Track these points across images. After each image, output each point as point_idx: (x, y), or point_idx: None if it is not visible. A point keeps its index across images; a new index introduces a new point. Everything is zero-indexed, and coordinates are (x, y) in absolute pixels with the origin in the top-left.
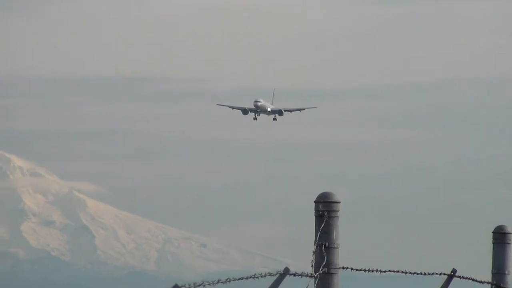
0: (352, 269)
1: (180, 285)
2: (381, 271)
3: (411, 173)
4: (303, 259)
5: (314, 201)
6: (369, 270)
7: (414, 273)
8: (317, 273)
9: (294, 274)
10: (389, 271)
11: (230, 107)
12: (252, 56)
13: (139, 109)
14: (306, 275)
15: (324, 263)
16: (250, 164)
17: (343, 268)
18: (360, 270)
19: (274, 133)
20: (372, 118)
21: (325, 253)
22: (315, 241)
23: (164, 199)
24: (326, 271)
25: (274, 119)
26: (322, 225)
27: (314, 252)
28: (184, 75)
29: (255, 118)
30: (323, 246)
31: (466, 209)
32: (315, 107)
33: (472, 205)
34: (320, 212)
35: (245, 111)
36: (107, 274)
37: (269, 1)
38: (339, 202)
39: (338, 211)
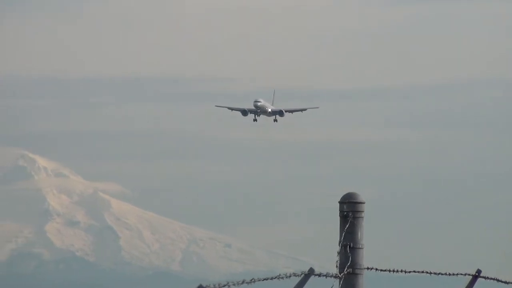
0: (376, 269)
1: (204, 285)
2: (405, 272)
3: (434, 174)
4: (327, 259)
5: (339, 202)
6: (393, 271)
7: (439, 273)
8: (341, 274)
9: (319, 275)
10: (414, 271)
11: (229, 108)
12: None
13: (163, 110)
14: (331, 276)
15: (348, 264)
16: (275, 164)
17: (367, 268)
18: (385, 270)
19: (297, 133)
20: (393, 118)
21: (349, 254)
22: (339, 242)
23: (189, 200)
24: (351, 272)
25: (275, 120)
26: (347, 226)
27: (338, 253)
28: (207, 76)
29: (255, 120)
30: (348, 246)
31: (491, 209)
32: (317, 107)
33: (497, 205)
34: (345, 213)
35: (244, 112)
36: (131, 274)
37: (284, 1)
38: (364, 203)
39: (362, 211)
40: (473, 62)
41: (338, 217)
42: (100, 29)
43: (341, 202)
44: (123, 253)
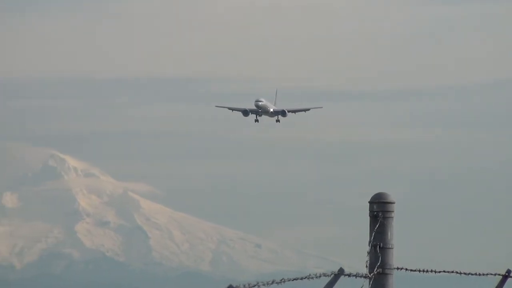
0: (406, 269)
1: (234, 285)
2: (435, 272)
3: (464, 173)
4: (357, 259)
5: (369, 202)
6: (423, 271)
7: (469, 273)
8: (371, 274)
9: (349, 275)
10: (443, 271)
11: (229, 108)
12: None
13: (194, 110)
14: (361, 276)
15: (378, 264)
16: (304, 164)
17: (397, 268)
18: (415, 270)
19: (326, 133)
20: (422, 118)
21: (379, 254)
22: (369, 242)
23: (219, 200)
24: (381, 272)
25: (277, 120)
26: (377, 226)
27: (368, 253)
28: (239, 76)
29: (256, 120)
30: (378, 246)
31: None
32: (321, 107)
33: None
34: (375, 213)
35: (245, 113)
36: (161, 274)
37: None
38: (394, 203)
39: (392, 211)
40: (504, 62)
41: (368, 217)
42: (128, 29)
43: (371, 202)
44: (153, 253)
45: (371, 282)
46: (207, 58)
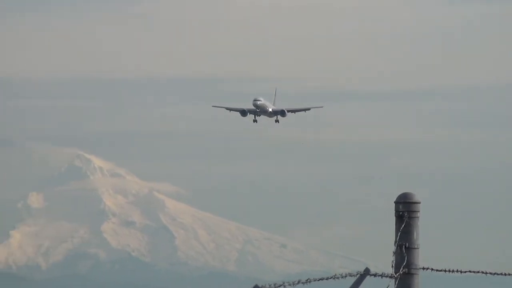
0: (432, 269)
1: (260, 285)
2: (461, 272)
3: (490, 174)
4: (382, 259)
5: (394, 202)
6: (449, 271)
7: (495, 273)
8: (397, 274)
9: (375, 275)
10: (469, 271)
11: (227, 108)
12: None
13: (219, 110)
14: (387, 276)
15: (404, 264)
16: (330, 165)
17: (423, 268)
18: (441, 270)
19: (351, 134)
20: (447, 118)
21: (405, 254)
22: (395, 242)
23: (244, 200)
24: (407, 272)
25: (276, 121)
26: (402, 226)
27: (394, 253)
28: (263, 75)
29: (255, 120)
30: (404, 246)
31: None
32: (322, 107)
33: None
34: (400, 213)
35: (243, 113)
36: (187, 274)
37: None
38: (419, 203)
39: (418, 211)
40: None
41: (394, 217)
42: (158, 30)
43: (397, 202)
44: (179, 253)
45: (396, 282)
46: (231, 58)
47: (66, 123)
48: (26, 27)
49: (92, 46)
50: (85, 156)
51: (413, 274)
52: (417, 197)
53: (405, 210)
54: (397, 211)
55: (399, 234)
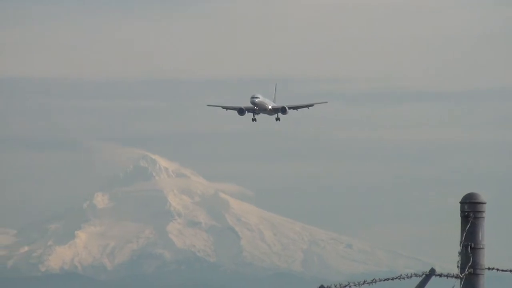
0: (498, 269)
1: (326, 286)
2: None
3: None
4: (447, 259)
5: (460, 202)
6: None
7: None
8: (463, 274)
9: (440, 275)
10: None
11: (223, 107)
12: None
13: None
14: (452, 276)
15: (470, 264)
16: (394, 165)
17: (488, 269)
18: (506, 271)
19: (417, 134)
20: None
21: (470, 254)
22: (460, 242)
23: (308, 200)
24: (472, 272)
25: (277, 119)
26: (468, 226)
27: (459, 253)
28: (326, 75)
29: (254, 119)
30: (469, 247)
31: None
32: (326, 102)
33: None
34: (466, 213)
35: (241, 111)
36: (252, 275)
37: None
38: (485, 203)
39: (483, 211)
40: None
41: (459, 217)
42: (221, 31)
43: (462, 203)
44: (244, 253)
45: (462, 282)
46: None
47: (132, 123)
48: (97, 30)
49: (157, 47)
50: (151, 157)
51: (478, 274)
52: (482, 197)
53: (471, 211)
54: (462, 211)
55: (464, 234)
